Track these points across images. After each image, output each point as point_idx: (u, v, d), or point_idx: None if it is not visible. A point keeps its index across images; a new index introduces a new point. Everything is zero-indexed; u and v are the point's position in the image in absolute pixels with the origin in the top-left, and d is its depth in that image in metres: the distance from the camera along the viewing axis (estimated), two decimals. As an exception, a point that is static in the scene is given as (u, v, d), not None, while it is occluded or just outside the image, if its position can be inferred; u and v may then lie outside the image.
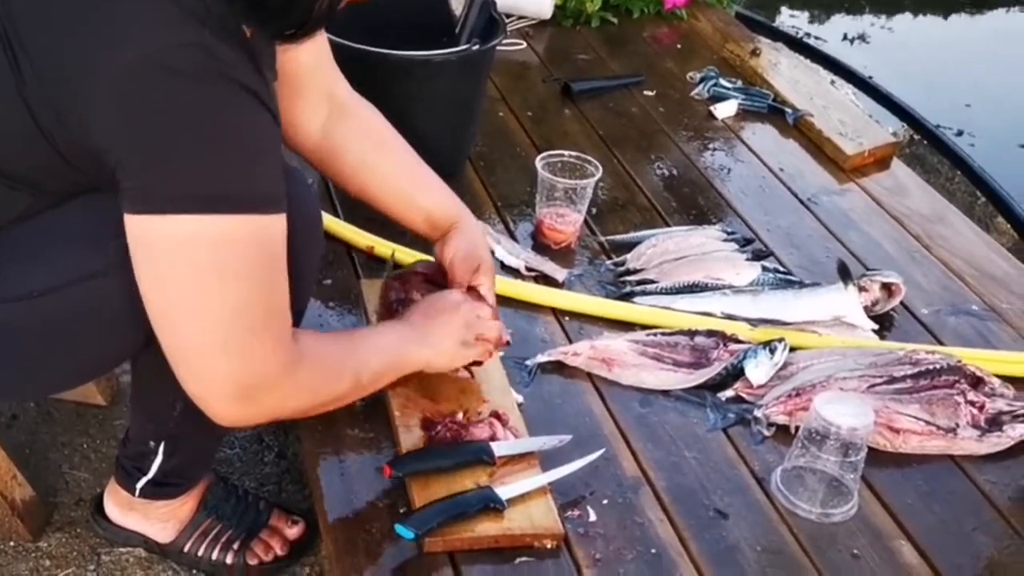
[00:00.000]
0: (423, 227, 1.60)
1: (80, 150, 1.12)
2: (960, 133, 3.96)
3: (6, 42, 1.10)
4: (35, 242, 1.23)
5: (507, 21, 2.14)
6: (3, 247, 1.23)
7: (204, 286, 1.13)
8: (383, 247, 1.88)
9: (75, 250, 1.22)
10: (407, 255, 1.83)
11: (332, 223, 1.93)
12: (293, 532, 1.63)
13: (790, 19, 5.20)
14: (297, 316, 1.39)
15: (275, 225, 1.15)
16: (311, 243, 1.38)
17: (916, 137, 3.42)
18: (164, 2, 1.06)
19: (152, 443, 1.48)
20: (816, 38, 4.79)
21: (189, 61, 1.06)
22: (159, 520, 1.58)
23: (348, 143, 1.55)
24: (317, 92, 1.51)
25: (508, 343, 1.58)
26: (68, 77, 1.08)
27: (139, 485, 1.52)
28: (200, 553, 1.59)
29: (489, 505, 1.38)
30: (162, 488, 1.54)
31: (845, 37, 5.05)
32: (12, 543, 1.64)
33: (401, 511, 1.40)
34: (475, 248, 1.57)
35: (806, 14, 5.29)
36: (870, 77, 3.58)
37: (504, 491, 1.40)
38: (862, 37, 5.09)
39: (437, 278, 1.59)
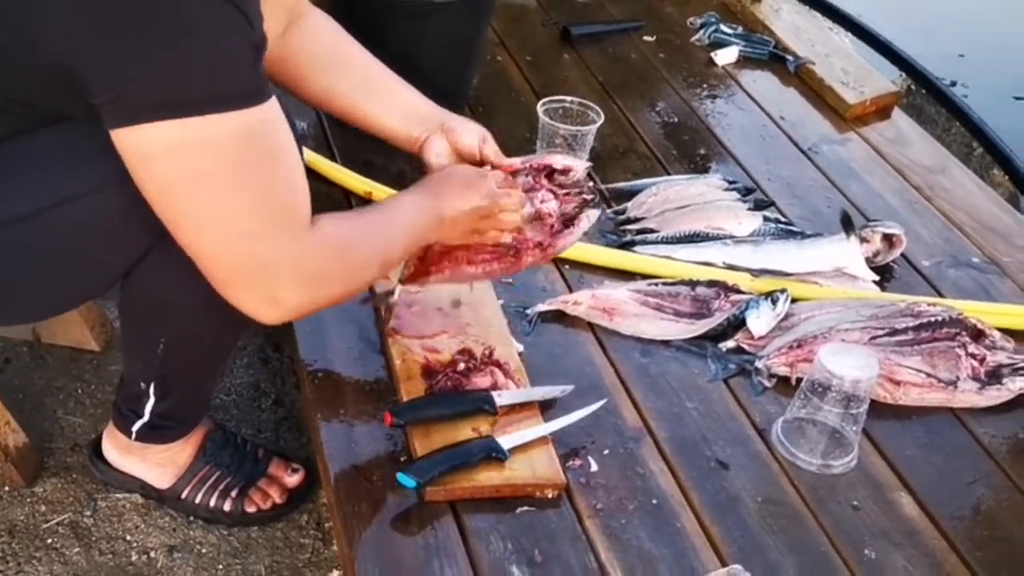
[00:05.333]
0: (402, 123, 1.50)
1: (39, 69, 1.10)
2: (954, 84, 3.93)
3: None
4: (14, 167, 1.21)
5: (506, -38, 2.10)
6: None
7: (200, 191, 1.12)
8: (381, 192, 1.85)
9: (56, 173, 1.20)
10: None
11: (330, 168, 1.91)
12: (292, 480, 1.62)
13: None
14: None
15: (259, 115, 1.12)
16: None
17: (913, 87, 3.39)
18: None
19: (143, 384, 1.46)
20: (811, -16, 4.73)
21: None
22: (157, 465, 1.57)
23: (311, 45, 1.49)
24: (277, 4, 1.41)
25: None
26: None
27: (135, 428, 1.51)
28: (198, 500, 1.58)
29: (491, 455, 1.38)
30: (158, 431, 1.52)
31: (840, -17, 4.99)
32: (7, 488, 1.63)
33: (402, 460, 1.40)
34: (480, 128, 1.52)
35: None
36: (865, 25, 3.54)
37: (506, 441, 1.39)
38: (857, -17, 5.03)
39: None
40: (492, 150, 1.49)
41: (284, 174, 1.17)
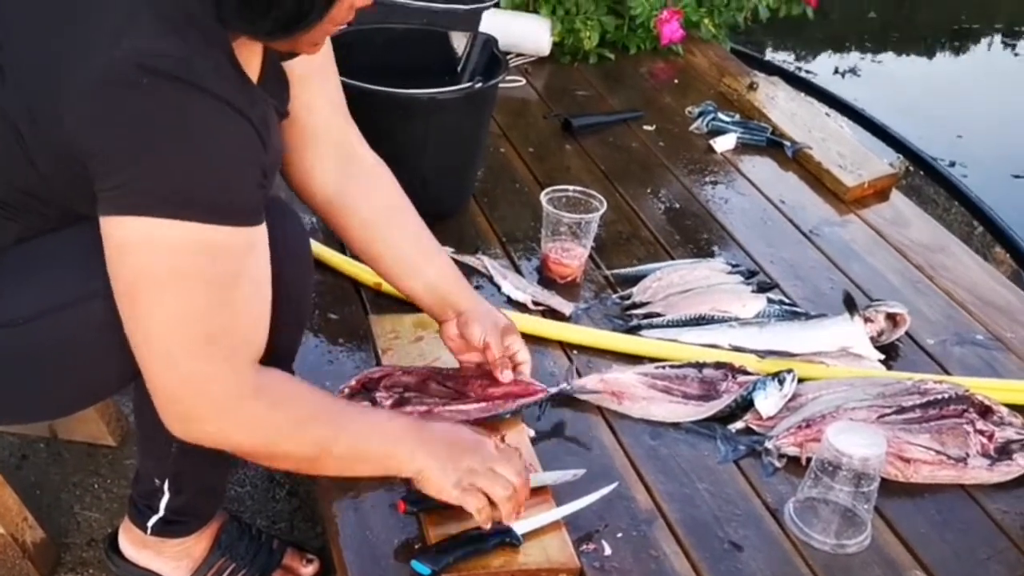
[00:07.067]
0: (423, 296, 1.59)
1: (56, 159, 1.14)
2: (953, 164, 4.00)
3: None
4: (22, 268, 1.24)
5: (507, 58, 2.16)
6: None
7: (158, 290, 1.14)
8: (388, 285, 1.88)
9: (63, 276, 1.23)
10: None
11: (340, 260, 1.94)
12: (307, 571, 1.63)
13: (779, 55, 5.25)
14: (285, 353, 1.40)
15: (243, 237, 1.15)
16: (299, 277, 1.39)
17: (911, 168, 3.45)
18: (145, 13, 1.09)
19: (158, 481, 1.49)
20: (808, 72, 4.84)
21: (163, 69, 1.07)
22: (173, 558, 1.58)
23: (359, 202, 1.54)
24: (327, 140, 1.50)
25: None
26: (47, 79, 1.10)
27: (150, 523, 1.53)
28: (214, 593, 1.59)
29: (505, 540, 1.38)
30: (173, 526, 1.54)
31: (836, 71, 5.11)
32: (24, 585, 1.64)
33: (416, 547, 1.40)
34: (496, 322, 1.57)
35: (794, 49, 5.35)
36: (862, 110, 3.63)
37: (520, 526, 1.40)
38: (853, 70, 5.15)
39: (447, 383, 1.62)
40: (494, 355, 1.55)
41: (244, 301, 1.19)
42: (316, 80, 1.43)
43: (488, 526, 1.35)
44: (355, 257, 1.63)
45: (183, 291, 1.14)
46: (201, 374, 1.17)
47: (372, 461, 1.33)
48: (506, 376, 1.56)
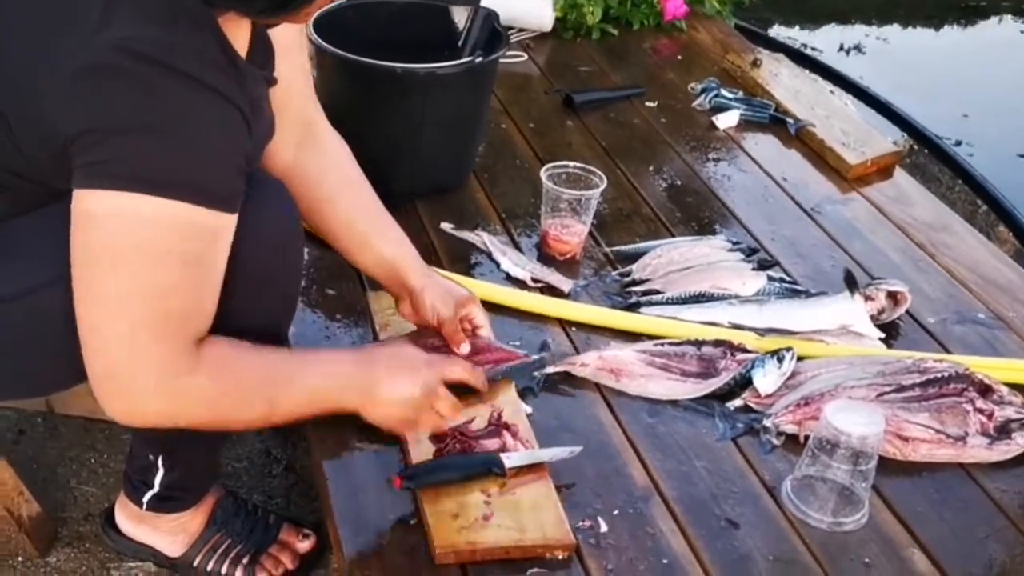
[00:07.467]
0: (375, 272, 1.59)
1: (40, 144, 1.14)
2: (959, 143, 3.97)
3: None
4: (9, 246, 1.24)
5: (508, 33, 2.14)
6: None
7: (118, 263, 1.13)
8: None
9: (49, 254, 1.21)
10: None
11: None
12: (303, 546, 1.63)
13: (784, 31, 5.21)
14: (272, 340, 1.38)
15: (213, 221, 1.15)
16: (288, 254, 1.38)
17: (916, 147, 3.43)
18: (130, 4, 1.09)
19: (151, 456, 1.49)
20: (813, 49, 4.80)
21: (144, 52, 1.07)
22: (169, 533, 1.58)
23: (315, 174, 1.53)
24: (293, 114, 1.48)
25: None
26: (34, 72, 1.10)
27: (145, 499, 1.53)
28: (210, 568, 1.59)
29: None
30: (168, 502, 1.54)
31: (841, 48, 5.07)
32: (20, 559, 1.64)
33: (412, 523, 1.40)
34: (449, 295, 1.57)
35: (799, 26, 5.31)
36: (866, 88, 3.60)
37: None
38: (858, 47, 5.11)
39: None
40: (448, 330, 1.55)
41: (200, 285, 1.18)
42: (294, 52, 1.42)
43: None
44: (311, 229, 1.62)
45: (145, 266, 1.13)
46: (147, 350, 1.15)
47: (324, 404, 1.34)
48: (463, 350, 1.56)
